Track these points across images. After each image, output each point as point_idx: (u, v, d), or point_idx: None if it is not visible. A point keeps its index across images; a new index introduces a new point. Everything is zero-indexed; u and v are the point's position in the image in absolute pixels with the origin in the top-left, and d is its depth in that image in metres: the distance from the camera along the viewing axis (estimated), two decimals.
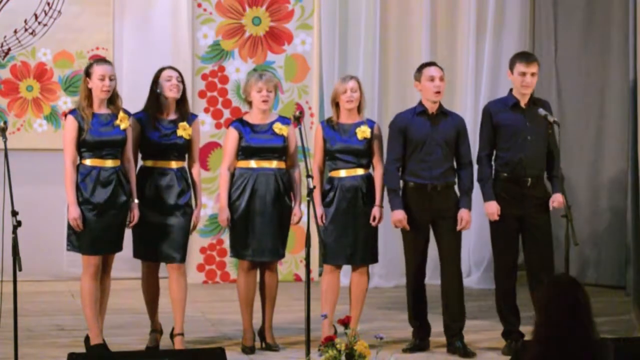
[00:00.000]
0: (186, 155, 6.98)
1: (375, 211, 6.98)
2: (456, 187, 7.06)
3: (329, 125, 7.07)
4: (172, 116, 6.92)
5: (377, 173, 7.05)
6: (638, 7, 7.71)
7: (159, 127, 6.86)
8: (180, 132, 6.87)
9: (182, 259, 6.93)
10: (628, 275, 8.74)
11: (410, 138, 6.97)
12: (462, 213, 6.96)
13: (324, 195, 7.01)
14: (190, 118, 6.96)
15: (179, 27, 9.57)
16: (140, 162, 6.96)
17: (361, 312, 7.09)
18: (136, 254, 6.94)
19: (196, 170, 7.01)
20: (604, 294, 8.85)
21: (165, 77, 6.87)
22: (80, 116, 6.65)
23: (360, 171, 7.03)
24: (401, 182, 7.03)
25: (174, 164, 6.90)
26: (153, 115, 6.87)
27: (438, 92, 6.97)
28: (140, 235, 6.86)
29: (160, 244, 6.83)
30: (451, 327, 7.02)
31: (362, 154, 7.02)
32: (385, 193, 7.02)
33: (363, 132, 7.01)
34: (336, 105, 7.08)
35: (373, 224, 6.99)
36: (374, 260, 7.12)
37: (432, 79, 6.97)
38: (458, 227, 6.96)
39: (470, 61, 9.68)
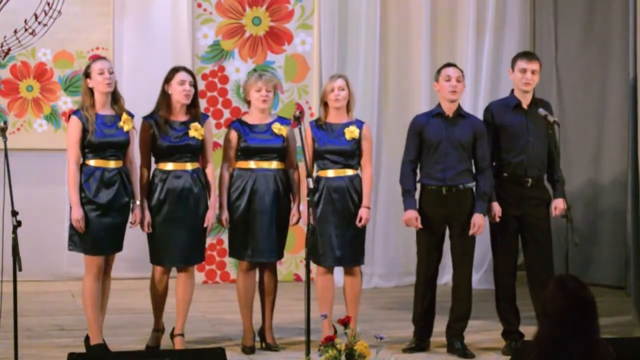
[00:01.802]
0: (199, 156, 6.93)
1: (362, 212, 6.93)
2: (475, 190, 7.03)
3: (318, 125, 7.05)
4: (183, 117, 6.87)
5: (365, 174, 7.01)
6: (638, 7, 7.70)
7: (171, 130, 6.80)
8: (192, 133, 6.82)
9: (195, 263, 6.94)
10: (628, 275, 8.73)
11: (425, 140, 6.95)
12: (476, 218, 6.90)
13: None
14: (202, 118, 6.92)
15: (179, 27, 9.57)
16: (153, 165, 6.90)
17: (357, 313, 7.06)
18: (154, 260, 6.88)
19: (210, 170, 6.94)
20: (604, 294, 8.83)
21: (178, 81, 6.81)
22: (85, 117, 6.61)
23: (348, 172, 6.98)
24: (419, 184, 7.02)
25: (188, 166, 6.85)
26: (164, 117, 6.82)
27: (454, 92, 6.95)
28: (157, 242, 6.82)
29: (177, 250, 6.80)
30: (453, 327, 7.01)
31: (350, 155, 6.98)
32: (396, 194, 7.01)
33: (351, 132, 6.98)
34: (325, 104, 7.06)
35: (358, 225, 6.94)
36: (362, 261, 7.06)
37: (448, 79, 6.95)
38: (470, 232, 6.91)
39: (470, 61, 9.67)
